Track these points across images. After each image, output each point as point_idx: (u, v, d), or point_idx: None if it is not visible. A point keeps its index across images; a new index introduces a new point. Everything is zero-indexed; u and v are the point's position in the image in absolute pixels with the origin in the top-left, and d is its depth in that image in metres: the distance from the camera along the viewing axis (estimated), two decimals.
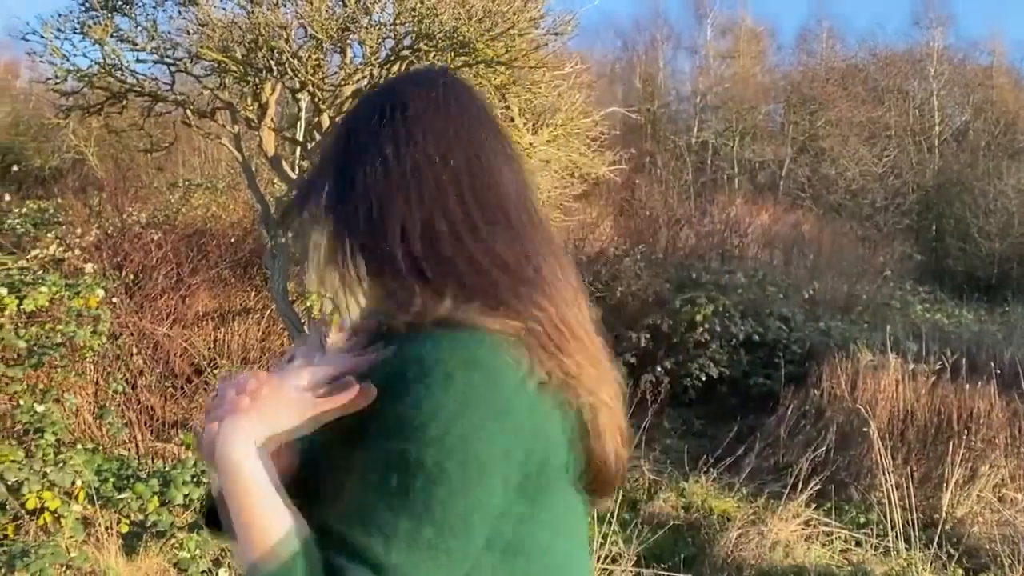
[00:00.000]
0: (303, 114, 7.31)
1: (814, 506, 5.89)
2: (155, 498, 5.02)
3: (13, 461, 4.76)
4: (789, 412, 7.28)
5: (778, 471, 6.75)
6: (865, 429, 6.14)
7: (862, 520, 5.90)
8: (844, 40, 31.08)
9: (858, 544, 5.56)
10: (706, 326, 8.97)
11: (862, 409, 6.42)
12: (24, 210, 10.08)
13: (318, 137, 6.75)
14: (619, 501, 5.73)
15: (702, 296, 9.29)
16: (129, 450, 6.61)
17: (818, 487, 5.96)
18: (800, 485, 5.87)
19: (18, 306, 6.49)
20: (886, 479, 5.36)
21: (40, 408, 5.72)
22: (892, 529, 5.16)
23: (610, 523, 5.41)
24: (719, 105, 28.20)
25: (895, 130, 24.79)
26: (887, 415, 6.68)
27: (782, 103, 28.54)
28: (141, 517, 5.01)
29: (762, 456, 7.01)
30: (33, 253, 7.75)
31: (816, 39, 31.34)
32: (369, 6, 5.99)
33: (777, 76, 30.32)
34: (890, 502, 5.21)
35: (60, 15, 6.68)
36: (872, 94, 25.92)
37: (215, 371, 7.77)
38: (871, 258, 15.51)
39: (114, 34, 6.51)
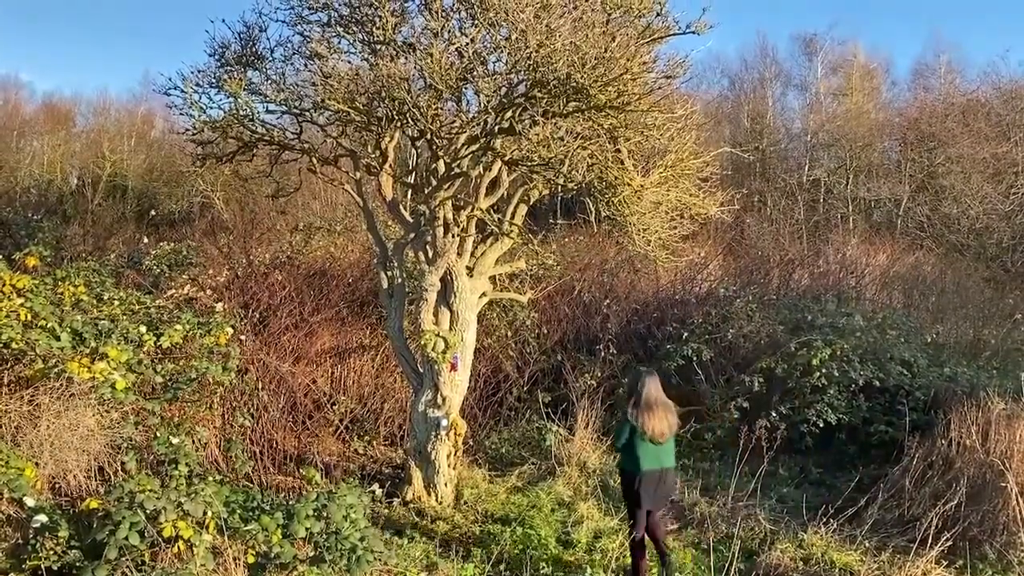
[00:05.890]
0: (419, 160, 7.55)
1: (945, 563, 5.60)
2: (279, 530, 5.17)
3: (151, 491, 4.99)
4: (915, 462, 6.95)
5: (903, 524, 6.44)
6: (1002, 483, 5.81)
7: None
8: (964, 74, 29.82)
9: None
10: (823, 370, 8.69)
11: (997, 461, 6.08)
12: (158, 252, 10.75)
13: (433, 182, 6.95)
14: (736, 550, 5.59)
15: (818, 339, 9.02)
16: (252, 482, 6.84)
17: (949, 543, 5.67)
18: (929, 540, 5.60)
19: (155, 342, 6.91)
20: None
21: (175, 440, 6.04)
22: None
23: (727, 573, 5.28)
24: (831, 143, 27.52)
25: (1023, 166, 23.55)
26: None
27: (898, 140, 27.60)
28: (265, 549, 5.16)
29: (885, 508, 6.71)
30: (169, 293, 8.26)
31: (933, 73, 30.28)
32: (485, 56, 6.17)
33: (892, 112, 29.39)
34: None
35: (198, 71, 7.13)
36: (996, 129, 24.68)
37: (333, 406, 8.02)
38: (999, 300, 14.67)
39: (246, 87, 6.90)
